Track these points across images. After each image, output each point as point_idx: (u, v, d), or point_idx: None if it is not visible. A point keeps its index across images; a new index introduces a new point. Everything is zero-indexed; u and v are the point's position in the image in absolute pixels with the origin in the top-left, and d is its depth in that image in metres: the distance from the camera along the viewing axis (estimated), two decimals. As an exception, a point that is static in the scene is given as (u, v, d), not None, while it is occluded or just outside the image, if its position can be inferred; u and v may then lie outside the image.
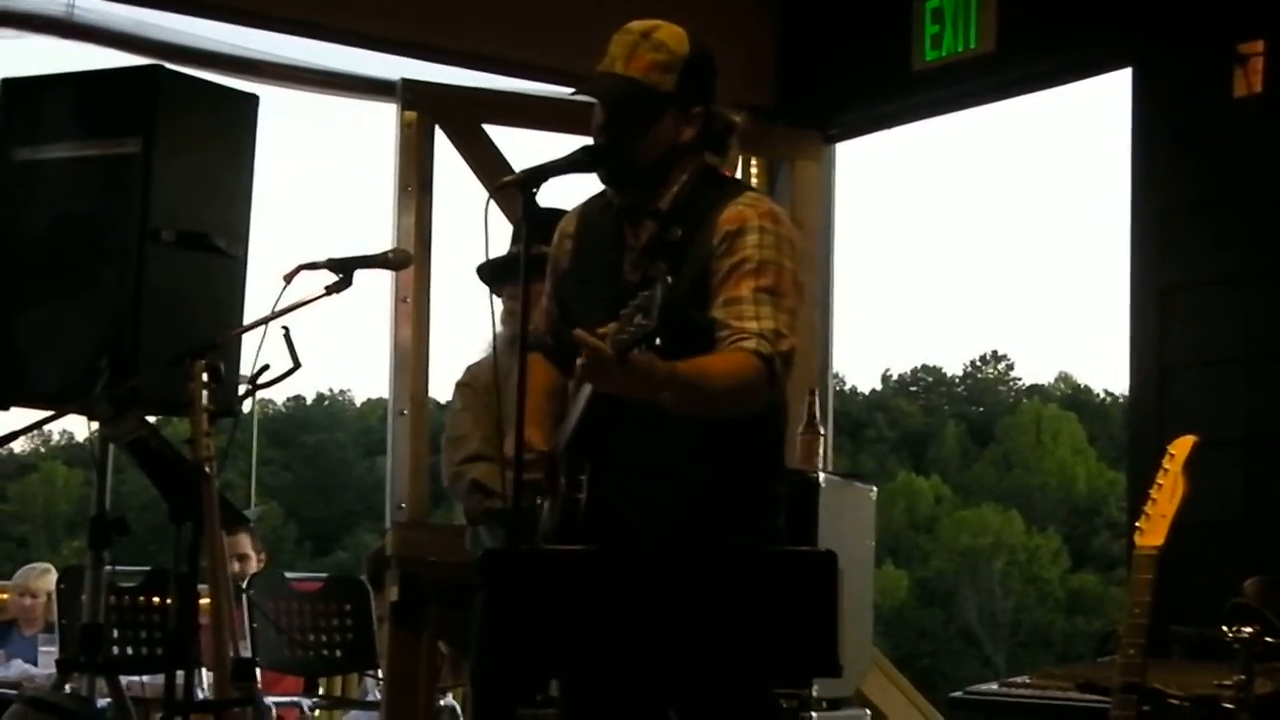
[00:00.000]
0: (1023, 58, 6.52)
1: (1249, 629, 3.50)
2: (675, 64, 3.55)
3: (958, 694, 4.93)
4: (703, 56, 3.62)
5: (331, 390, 47.12)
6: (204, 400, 4.29)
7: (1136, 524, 3.64)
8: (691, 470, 3.58)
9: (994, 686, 4.85)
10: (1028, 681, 4.69)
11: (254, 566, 7.14)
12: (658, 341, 3.10)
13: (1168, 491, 3.61)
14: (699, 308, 3.49)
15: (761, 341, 3.45)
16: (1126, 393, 6.21)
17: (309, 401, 45.84)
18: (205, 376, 4.31)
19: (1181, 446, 3.66)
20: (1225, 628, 3.52)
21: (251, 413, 8.87)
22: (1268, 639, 3.53)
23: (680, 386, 3.28)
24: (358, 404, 45.82)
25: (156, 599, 6.09)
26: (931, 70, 6.75)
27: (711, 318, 3.49)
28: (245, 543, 7.15)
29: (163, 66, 5.28)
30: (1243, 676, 3.47)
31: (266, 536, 7.69)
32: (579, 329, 3.19)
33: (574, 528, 3.62)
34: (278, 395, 45.22)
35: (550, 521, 3.70)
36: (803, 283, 3.65)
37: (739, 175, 6.97)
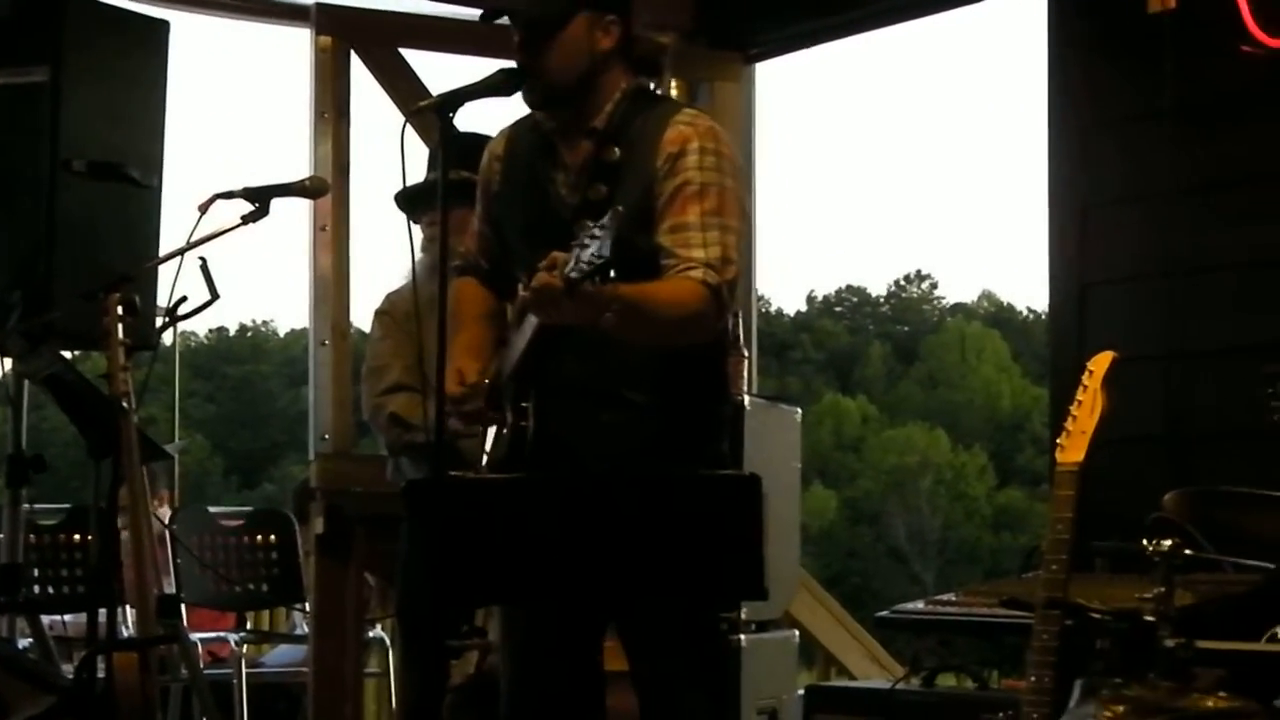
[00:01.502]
0: (941, -26, 6.50)
1: (1169, 542, 3.52)
2: None
3: (885, 613, 4.96)
4: None
5: (254, 321, 46.74)
6: (120, 334, 4.23)
7: (1057, 441, 3.66)
8: (638, 396, 3.59)
9: (920, 605, 4.88)
10: (953, 599, 4.72)
11: (161, 508, 7.05)
12: (611, 274, 3.08)
13: (1087, 408, 3.63)
14: (642, 230, 3.47)
15: (709, 271, 3.46)
16: (1048, 309, 6.23)
17: (232, 333, 45.51)
18: (121, 310, 4.24)
19: (1100, 363, 3.68)
20: (1146, 541, 3.55)
21: (173, 345, 8.78)
22: (1187, 551, 3.56)
23: (626, 311, 3.27)
24: (281, 335, 45.49)
25: (77, 537, 6.04)
26: (850, -12, 6.73)
27: (656, 244, 3.49)
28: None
29: (70, -7, 5.18)
30: (1163, 589, 3.50)
31: (191, 471, 7.62)
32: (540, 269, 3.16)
33: (521, 455, 3.61)
34: (199, 327, 44.83)
35: (496, 450, 3.69)
36: (744, 200, 3.65)
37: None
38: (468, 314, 3.79)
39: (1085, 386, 3.66)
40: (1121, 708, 3.35)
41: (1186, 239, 5.49)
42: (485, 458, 3.73)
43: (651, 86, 3.73)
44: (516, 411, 3.63)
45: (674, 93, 7.14)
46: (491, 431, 3.74)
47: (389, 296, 5.33)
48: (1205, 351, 5.38)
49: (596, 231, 3.04)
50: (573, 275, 3.06)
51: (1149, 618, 3.50)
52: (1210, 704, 3.36)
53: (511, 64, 3.59)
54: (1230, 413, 5.17)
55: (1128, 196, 5.73)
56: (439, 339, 3.30)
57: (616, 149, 3.59)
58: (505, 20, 3.63)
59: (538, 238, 3.59)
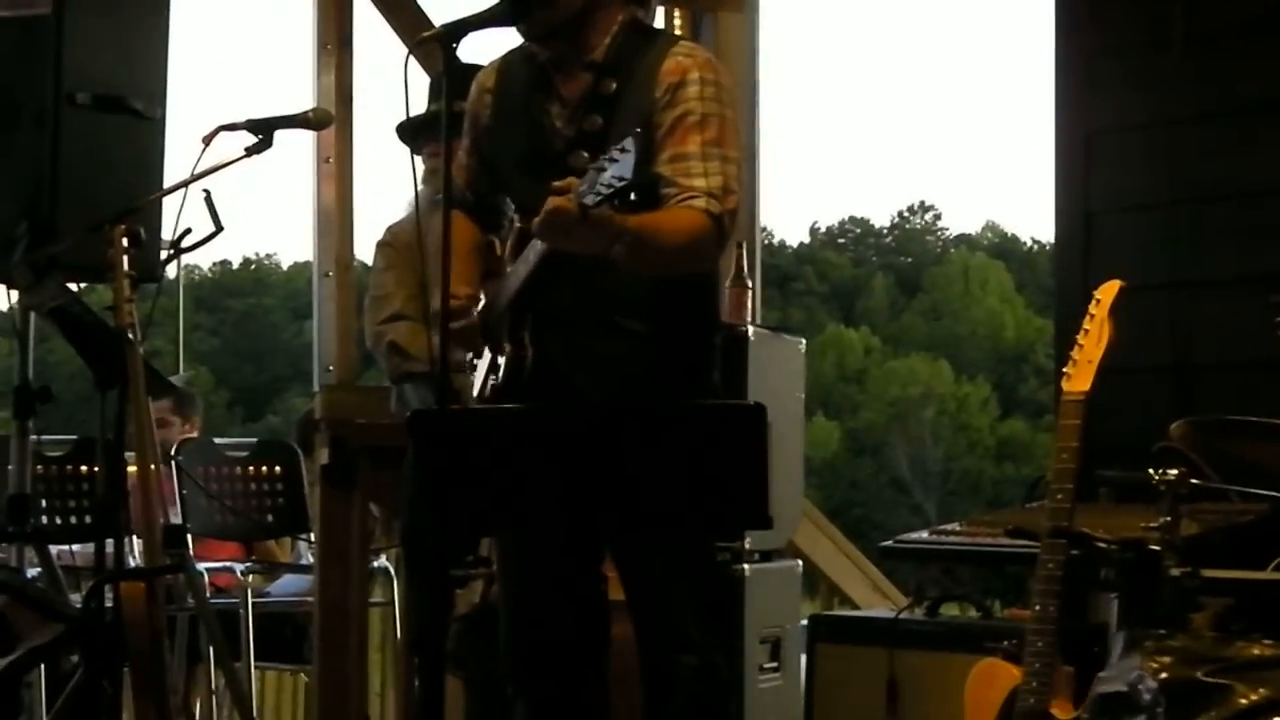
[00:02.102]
0: (946, -97, 6.45)
1: (1175, 471, 3.53)
2: None
3: (888, 543, 4.98)
4: None
5: (258, 254, 46.88)
6: (125, 265, 4.23)
7: (1064, 370, 3.67)
8: (636, 325, 3.60)
9: (924, 534, 4.91)
10: (958, 529, 4.74)
11: (177, 434, 7.09)
12: (632, 197, 3.08)
13: (1094, 337, 3.63)
14: (641, 160, 3.47)
15: (711, 200, 3.47)
16: (1053, 240, 6.21)
17: (235, 266, 45.56)
18: (125, 241, 4.24)
19: (1107, 292, 3.68)
20: (1152, 471, 3.55)
21: (177, 278, 8.79)
22: (1193, 481, 3.57)
23: (635, 243, 3.28)
24: (284, 268, 45.57)
25: (84, 468, 6.05)
26: (855, -83, 6.68)
27: (656, 173, 3.49)
28: (164, 408, 7.11)
29: (71, -75, 5.15)
30: (1169, 518, 3.50)
31: (194, 402, 7.61)
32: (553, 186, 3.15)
33: (519, 385, 3.61)
34: (203, 260, 44.98)
35: (493, 379, 3.69)
36: (740, 131, 3.65)
37: (662, 27, 6.90)
38: (455, 247, 3.79)
39: (1092, 315, 3.67)
40: (1168, 658, 3.32)
41: (1194, 167, 5.47)
42: (477, 389, 3.74)
43: (641, 14, 3.71)
44: (514, 341, 3.64)
45: (677, 23, 7.10)
46: (483, 364, 3.75)
47: (390, 228, 5.34)
48: (1212, 281, 5.37)
49: (615, 154, 3.03)
50: (590, 199, 3.06)
51: (1154, 547, 3.51)
52: (1256, 652, 3.34)
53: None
54: (1237, 342, 5.15)
55: (1135, 124, 5.69)
56: (443, 270, 3.30)
57: (614, 82, 3.59)
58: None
59: (531, 170, 3.61)
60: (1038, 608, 3.56)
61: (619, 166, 3.02)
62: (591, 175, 3.06)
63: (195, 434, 7.26)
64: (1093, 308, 3.68)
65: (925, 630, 4.69)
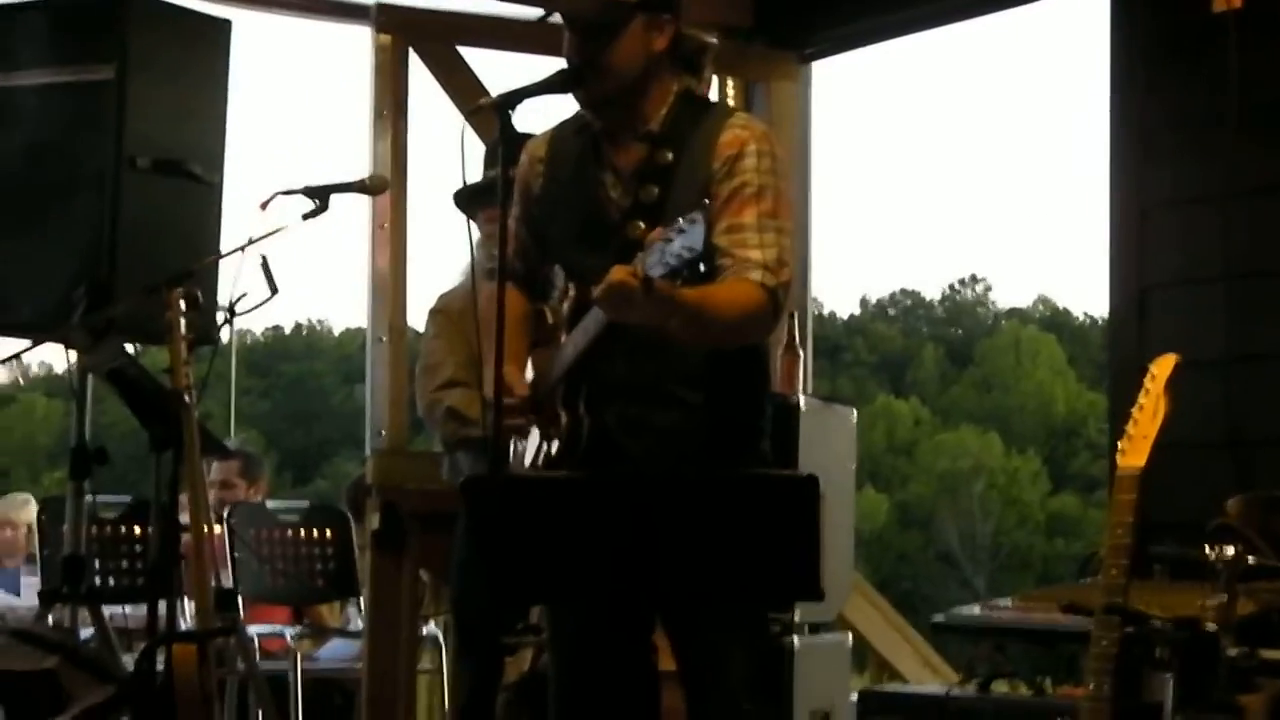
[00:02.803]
0: (1001, -27, 6.48)
1: (1231, 549, 3.50)
2: None
3: (940, 617, 4.94)
4: None
5: (309, 320, 47.03)
6: (182, 328, 4.27)
7: (1119, 444, 3.64)
8: (690, 396, 3.60)
9: (976, 609, 4.86)
10: (1010, 604, 4.70)
11: (241, 497, 7.12)
12: (702, 268, 3.09)
13: (1149, 411, 3.61)
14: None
15: (766, 273, 3.48)
16: (1106, 314, 6.20)
17: (287, 331, 45.78)
18: (183, 304, 4.28)
19: (1163, 366, 3.66)
20: (1207, 548, 3.52)
21: (230, 342, 8.83)
22: (1250, 559, 3.54)
23: (693, 317, 3.30)
24: (335, 333, 45.74)
25: (138, 529, 6.07)
26: (909, -13, 6.71)
27: (712, 244, 3.50)
28: (231, 470, 7.15)
29: (135, -9, 5.22)
30: (1225, 597, 3.47)
31: (260, 465, 7.66)
32: (617, 266, 3.16)
33: (575, 454, 3.61)
34: (256, 325, 45.26)
35: (546, 447, 3.70)
36: (792, 202, 3.67)
37: (715, 97, 6.93)
38: (509, 317, 3.80)
39: (1147, 390, 3.64)
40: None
41: (1248, 242, 5.45)
42: (530, 457, 3.74)
43: (694, 84, 3.73)
44: (570, 409, 3.64)
45: (730, 92, 7.14)
46: (535, 432, 3.76)
47: (443, 295, 5.36)
48: (1267, 355, 5.34)
49: (684, 225, 3.03)
50: (659, 270, 3.06)
51: (1210, 626, 3.47)
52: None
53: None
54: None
55: (1189, 198, 5.69)
56: (496, 338, 3.32)
57: (669, 152, 3.60)
58: (558, 18, 3.64)
59: (584, 239, 3.62)
60: (1092, 686, 3.52)
61: (687, 238, 3.02)
62: (659, 247, 3.07)
63: (260, 498, 7.29)
64: (1148, 382, 3.66)
65: (977, 707, 4.64)
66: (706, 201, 3.15)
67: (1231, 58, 5.45)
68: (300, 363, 43.67)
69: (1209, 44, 5.52)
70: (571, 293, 3.72)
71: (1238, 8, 5.44)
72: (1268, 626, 3.67)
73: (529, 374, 3.75)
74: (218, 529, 6.19)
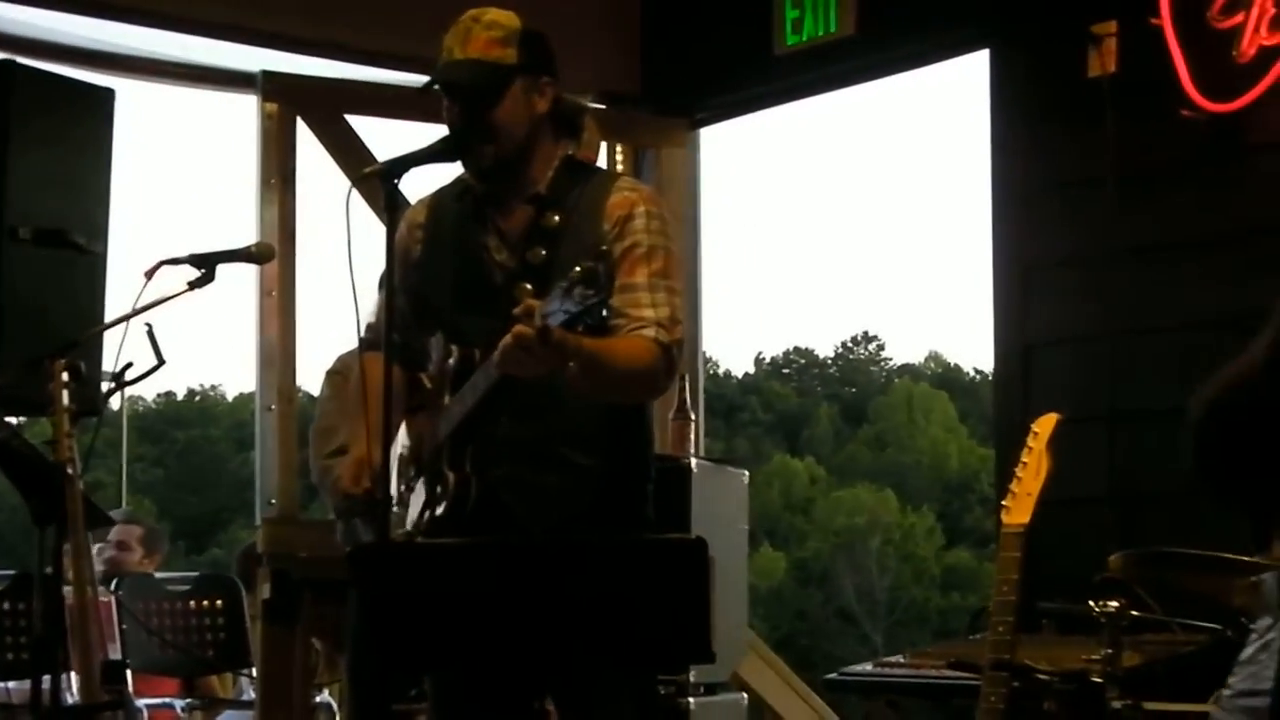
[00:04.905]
0: (882, 41, 6.56)
1: (1115, 603, 3.55)
2: (511, 37, 3.57)
3: (833, 675, 4.96)
4: (536, 30, 3.63)
5: (203, 385, 46.62)
6: (65, 400, 4.22)
7: (1003, 503, 3.69)
8: (577, 458, 3.59)
9: (869, 667, 4.90)
10: (902, 661, 4.74)
11: (136, 561, 7.05)
12: (605, 313, 3.09)
13: (1032, 469, 3.66)
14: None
15: (660, 330, 3.51)
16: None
17: (180, 397, 45.35)
18: (66, 376, 4.24)
19: (1045, 425, 3.71)
20: (1092, 602, 3.57)
21: (120, 410, 8.75)
22: (1134, 612, 3.59)
23: (591, 363, 3.30)
24: (229, 399, 45.35)
25: (22, 604, 5.99)
26: (793, 54, 6.77)
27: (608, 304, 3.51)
28: (132, 533, 7.09)
29: (15, 62, 5.19)
30: (1110, 650, 3.52)
31: (162, 539, 7.59)
32: (523, 306, 3.16)
33: (461, 515, 3.60)
34: (148, 392, 44.68)
35: (430, 511, 3.68)
36: (682, 264, 3.70)
37: (604, 164, 6.97)
38: (373, 390, 3.77)
39: (1030, 448, 3.69)
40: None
41: (1127, 300, 5.54)
42: (413, 519, 3.73)
43: (575, 147, 3.75)
44: (456, 470, 3.63)
45: (619, 158, 7.18)
46: (418, 495, 3.74)
47: (342, 356, 5.33)
48: (1148, 411, 5.41)
49: (582, 274, 3.03)
50: (560, 317, 3.06)
51: (1096, 679, 3.52)
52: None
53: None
54: (1174, 473, 5.19)
55: (1070, 259, 5.78)
56: (383, 412, 3.31)
57: (556, 215, 3.62)
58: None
59: (468, 302, 3.63)
60: (981, 740, 3.55)
61: (586, 286, 3.03)
62: (558, 295, 3.07)
63: (153, 569, 7.19)
64: (1031, 440, 3.71)
65: (870, 763, 4.66)
66: (604, 249, 3.15)
67: (1108, 121, 5.55)
68: (193, 429, 43.24)
69: (1086, 108, 5.62)
70: (454, 356, 3.71)
71: (1112, 72, 5.54)
72: (1152, 678, 3.71)
73: (405, 440, 3.75)
74: (104, 597, 6.11)
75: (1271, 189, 5.22)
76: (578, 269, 3.03)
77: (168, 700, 6.49)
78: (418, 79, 6.38)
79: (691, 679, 5.17)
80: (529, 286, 3.49)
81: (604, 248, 3.16)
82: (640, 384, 3.56)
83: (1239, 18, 5.20)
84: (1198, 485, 2.78)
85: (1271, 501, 2.70)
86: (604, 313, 3.08)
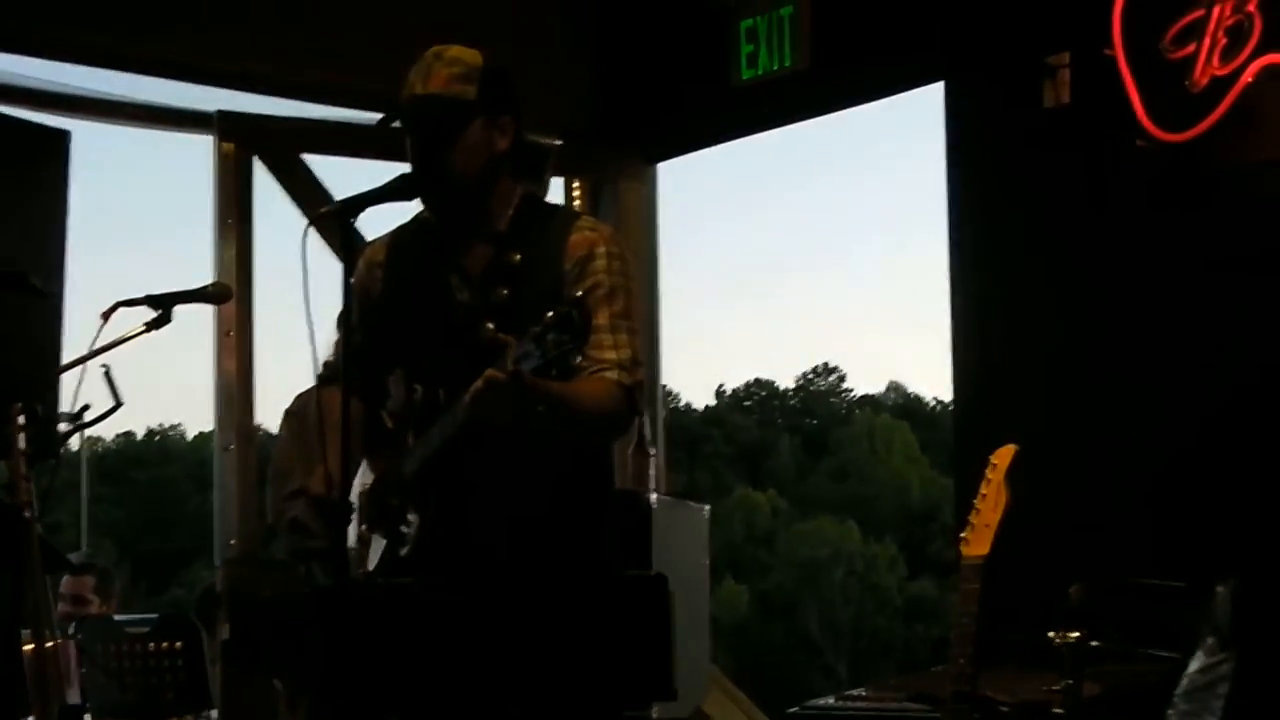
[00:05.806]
0: (837, 74, 6.58)
1: (1075, 634, 3.55)
2: (473, 74, 3.57)
3: (795, 709, 4.95)
4: (499, 68, 3.63)
5: (162, 425, 46.54)
6: (21, 443, 4.19)
7: (962, 534, 3.69)
8: (541, 497, 3.58)
9: (830, 700, 4.88)
10: (863, 694, 4.73)
11: (94, 611, 6.99)
12: (579, 359, 3.09)
13: (991, 501, 3.66)
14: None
15: (623, 372, 3.52)
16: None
17: (139, 437, 45.19)
18: (22, 419, 4.20)
19: (1003, 456, 3.72)
20: (1052, 633, 3.57)
21: (79, 452, 8.70)
22: (1094, 643, 3.59)
23: (558, 405, 3.30)
24: (189, 438, 45.23)
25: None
26: (749, 88, 6.79)
27: None
28: (85, 585, 7.03)
29: (-32, 104, 5.17)
30: (1070, 680, 3.52)
31: (113, 581, 7.53)
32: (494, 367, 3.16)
33: (426, 554, 3.59)
34: (107, 432, 44.59)
35: (392, 551, 3.67)
36: (640, 302, 3.72)
37: (561, 199, 6.98)
38: (333, 428, 3.76)
39: (989, 480, 3.70)
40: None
41: (1086, 330, 5.55)
42: (376, 559, 3.71)
43: (535, 188, 3.76)
44: (421, 509, 3.62)
45: (576, 194, 7.19)
46: (378, 540, 3.72)
47: (300, 396, 5.31)
48: (1109, 441, 5.43)
49: (556, 320, 3.03)
50: (534, 362, 3.05)
51: (1057, 710, 3.52)
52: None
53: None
54: (1134, 503, 5.20)
55: (1028, 288, 5.79)
56: (342, 451, 3.30)
57: (517, 254, 3.62)
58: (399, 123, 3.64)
59: (430, 340, 3.61)
60: (943, 772, 3.55)
61: (561, 332, 3.03)
62: (530, 340, 3.07)
63: (111, 612, 7.14)
64: (989, 472, 3.71)
65: (834, 797, 4.65)
66: (580, 295, 3.15)
67: (1061, 150, 5.58)
68: (153, 469, 43.08)
69: (1039, 137, 5.65)
70: (419, 394, 3.70)
71: (1067, 104, 5.57)
72: (1113, 708, 3.72)
73: (363, 480, 3.73)
74: (65, 639, 6.06)
75: (1225, 217, 5.24)
76: (550, 314, 3.03)
77: (128, 743, 6.43)
78: (372, 117, 6.45)
79: (654, 715, 5.14)
80: (492, 326, 3.49)
81: (580, 294, 3.16)
82: (604, 426, 3.58)
83: (1190, 48, 5.23)
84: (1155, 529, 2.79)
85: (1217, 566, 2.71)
86: (579, 359, 3.08)
